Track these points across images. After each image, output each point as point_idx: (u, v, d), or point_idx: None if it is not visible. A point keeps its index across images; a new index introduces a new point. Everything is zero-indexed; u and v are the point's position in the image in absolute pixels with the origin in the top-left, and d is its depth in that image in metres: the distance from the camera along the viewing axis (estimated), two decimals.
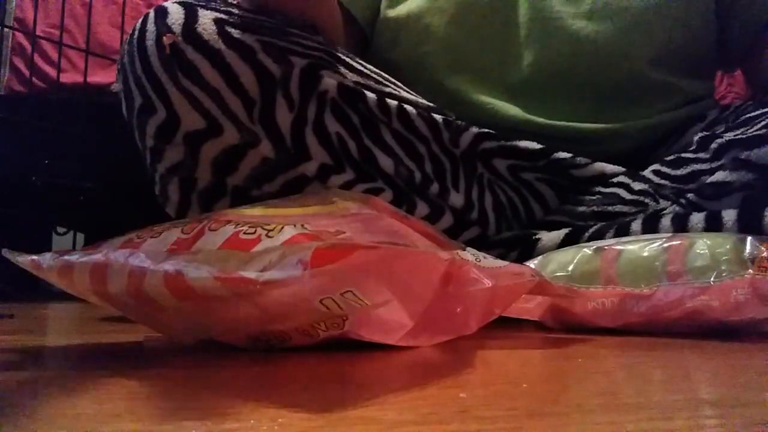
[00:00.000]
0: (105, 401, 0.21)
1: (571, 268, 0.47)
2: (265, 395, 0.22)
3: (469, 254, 0.38)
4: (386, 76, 0.59)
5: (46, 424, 0.18)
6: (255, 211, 0.33)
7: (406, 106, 0.55)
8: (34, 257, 0.33)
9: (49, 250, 0.33)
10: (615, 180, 0.60)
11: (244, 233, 0.28)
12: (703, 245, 0.42)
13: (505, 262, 0.39)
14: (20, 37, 1.18)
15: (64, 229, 1.34)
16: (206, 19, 0.49)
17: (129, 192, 1.06)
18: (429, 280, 0.34)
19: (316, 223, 0.30)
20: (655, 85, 0.66)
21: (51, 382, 0.24)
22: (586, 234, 0.56)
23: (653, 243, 0.45)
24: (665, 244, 0.44)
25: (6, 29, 1.17)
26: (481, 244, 0.58)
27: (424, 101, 0.58)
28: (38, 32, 1.11)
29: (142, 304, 0.29)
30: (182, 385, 0.23)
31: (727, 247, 0.41)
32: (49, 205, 1.13)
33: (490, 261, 0.38)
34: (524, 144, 0.60)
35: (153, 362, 0.31)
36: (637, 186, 0.58)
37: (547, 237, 0.57)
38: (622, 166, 0.61)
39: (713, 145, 0.55)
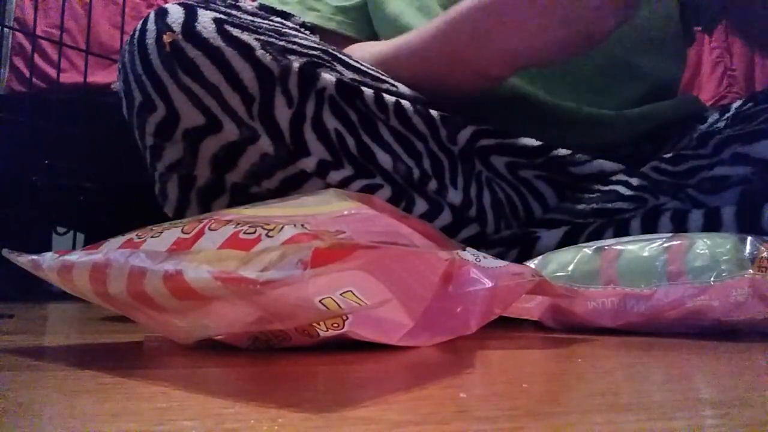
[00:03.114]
0: (105, 401, 0.21)
1: (571, 268, 0.47)
2: (265, 395, 0.22)
3: (469, 254, 0.38)
4: (383, 73, 0.59)
5: (46, 424, 0.18)
6: (255, 211, 0.33)
7: (403, 102, 0.55)
8: (34, 257, 0.33)
9: (49, 250, 0.33)
10: (614, 178, 0.60)
11: (244, 233, 0.28)
12: (703, 245, 0.42)
13: (505, 262, 0.39)
14: (20, 37, 1.18)
15: (64, 229, 1.34)
16: (206, 18, 0.50)
17: (129, 192, 1.06)
18: (429, 280, 0.34)
19: (316, 222, 0.30)
20: (618, 65, 0.66)
21: (51, 382, 0.24)
22: (586, 232, 0.56)
23: (653, 243, 0.45)
24: (665, 244, 0.44)
25: (6, 29, 1.17)
26: (480, 242, 0.58)
27: (422, 96, 0.58)
28: (38, 32, 1.11)
29: (142, 304, 0.29)
30: (182, 385, 0.23)
31: (727, 247, 0.41)
32: (49, 205, 1.13)
33: (490, 261, 0.38)
34: (523, 141, 0.60)
35: (153, 362, 0.31)
36: (636, 182, 0.58)
37: (547, 235, 0.57)
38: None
39: (712, 141, 0.55)
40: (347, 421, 0.18)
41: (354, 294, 0.28)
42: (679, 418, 0.19)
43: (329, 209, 0.33)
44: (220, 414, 0.19)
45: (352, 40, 0.72)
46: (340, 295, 0.28)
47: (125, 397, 0.21)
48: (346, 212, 0.33)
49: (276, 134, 0.51)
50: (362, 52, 0.63)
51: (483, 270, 0.36)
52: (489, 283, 0.36)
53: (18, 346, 0.35)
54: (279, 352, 0.32)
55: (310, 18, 0.71)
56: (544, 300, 0.47)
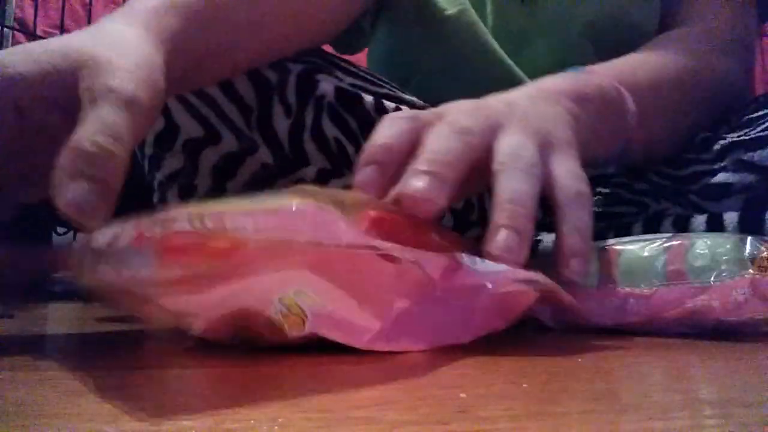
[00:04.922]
0: (105, 401, 0.21)
1: None
2: (265, 395, 0.22)
3: (467, 258, 0.37)
4: (381, 77, 0.59)
5: (46, 424, 0.18)
6: (203, 208, 0.32)
7: (403, 107, 0.55)
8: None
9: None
10: (615, 180, 0.60)
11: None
12: (703, 245, 0.42)
13: (505, 266, 0.39)
14: (20, 37, 1.18)
15: (64, 229, 1.34)
16: None
17: (129, 192, 1.06)
18: (384, 283, 0.32)
19: (242, 220, 0.29)
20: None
21: (51, 382, 0.24)
22: None
23: (653, 243, 0.45)
24: (665, 244, 0.44)
25: (6, 29, 1.17)
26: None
27: (420, 102, 0.58)
28: (38, 32, 1.11)
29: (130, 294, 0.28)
30: (182, 384, 0.23)
31: (728, 247, 0.41)
32: (48, 205, 1.13)
33: (489, 265, 0.37)
34: None
35: (153, 362, 0.31)
36: (638, 186, 0.58)
37: (549, 239, 0.57)
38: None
39: (716, 147, 0.55)
40: (347, 421, 0.18)
41: (308, 295, 0.28)
42: (679, 418, 0.19)
43: (279, 204, 0.31)
44: (220, 414, 0.19)
45: None
46: (293, 294, 0.28)
47: (125, 397, 0.21)
48: (294, 209, 0.31)
49: (275, 144, 0.51)
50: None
51: (481, 274, 0.36)
52: (488, 286, 0.35)
53: (18, 346, 0.35)
54: (279, 352, 0.32)
55: None
56: (544, 299, 0.47)
